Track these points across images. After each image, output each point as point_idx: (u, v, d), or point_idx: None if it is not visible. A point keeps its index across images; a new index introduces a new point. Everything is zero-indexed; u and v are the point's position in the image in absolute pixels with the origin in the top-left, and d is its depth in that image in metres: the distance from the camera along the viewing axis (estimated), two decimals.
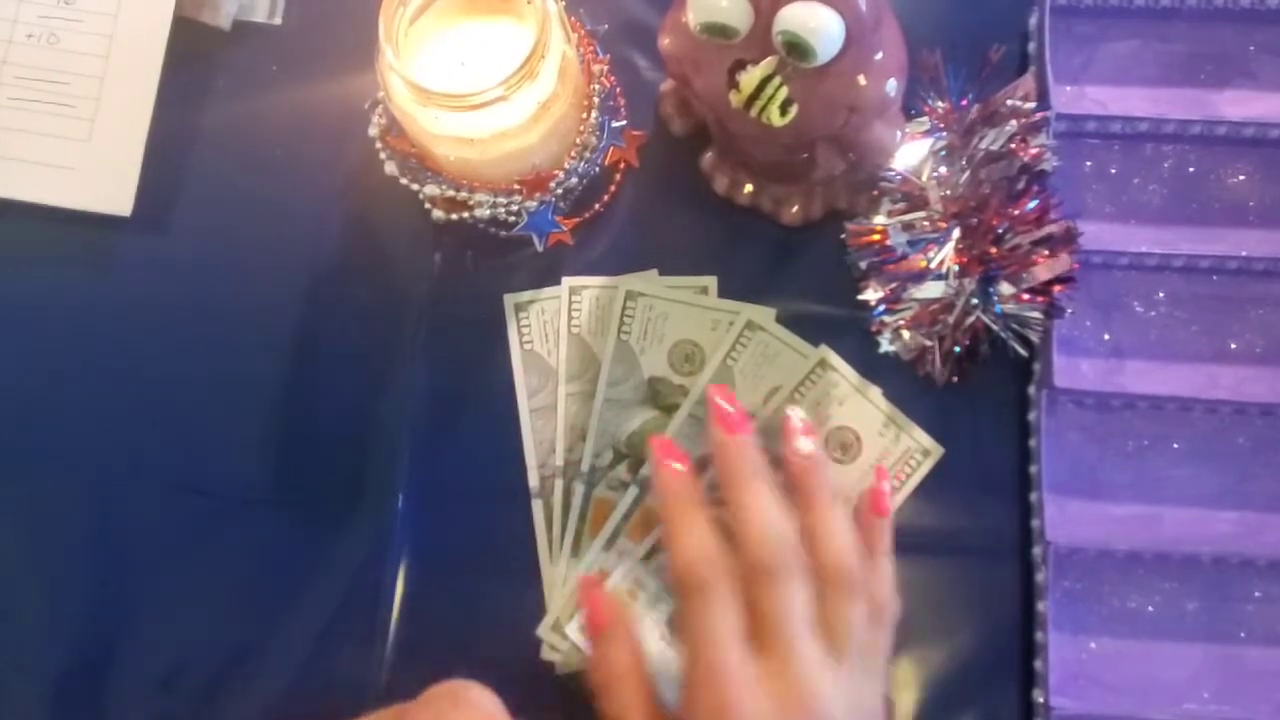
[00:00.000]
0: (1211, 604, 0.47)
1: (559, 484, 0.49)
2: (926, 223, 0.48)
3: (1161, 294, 0.50)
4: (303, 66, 0.55)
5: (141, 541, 0.50)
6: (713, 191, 0.52)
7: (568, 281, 0.51)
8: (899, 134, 0.48)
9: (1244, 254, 0.50)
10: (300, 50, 0.55)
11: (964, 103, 0.50)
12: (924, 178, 0.49)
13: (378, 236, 0.53)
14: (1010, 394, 0.50)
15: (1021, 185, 0.48)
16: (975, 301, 0.47)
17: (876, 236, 0.49)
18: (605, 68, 0.52)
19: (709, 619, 0.40)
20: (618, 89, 0.53)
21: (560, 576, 0.48)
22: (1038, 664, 0.46)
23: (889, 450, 0.49)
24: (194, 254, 0.53)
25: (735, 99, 0.44)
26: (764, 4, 0.41)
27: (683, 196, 0.52)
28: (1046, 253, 0.47)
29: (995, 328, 0.48)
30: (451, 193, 0.50)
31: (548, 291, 0.51)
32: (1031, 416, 0.49)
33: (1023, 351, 0.48)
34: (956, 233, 0.48)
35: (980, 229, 0.47)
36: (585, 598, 0.45)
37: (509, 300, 0.51)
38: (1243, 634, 0.47)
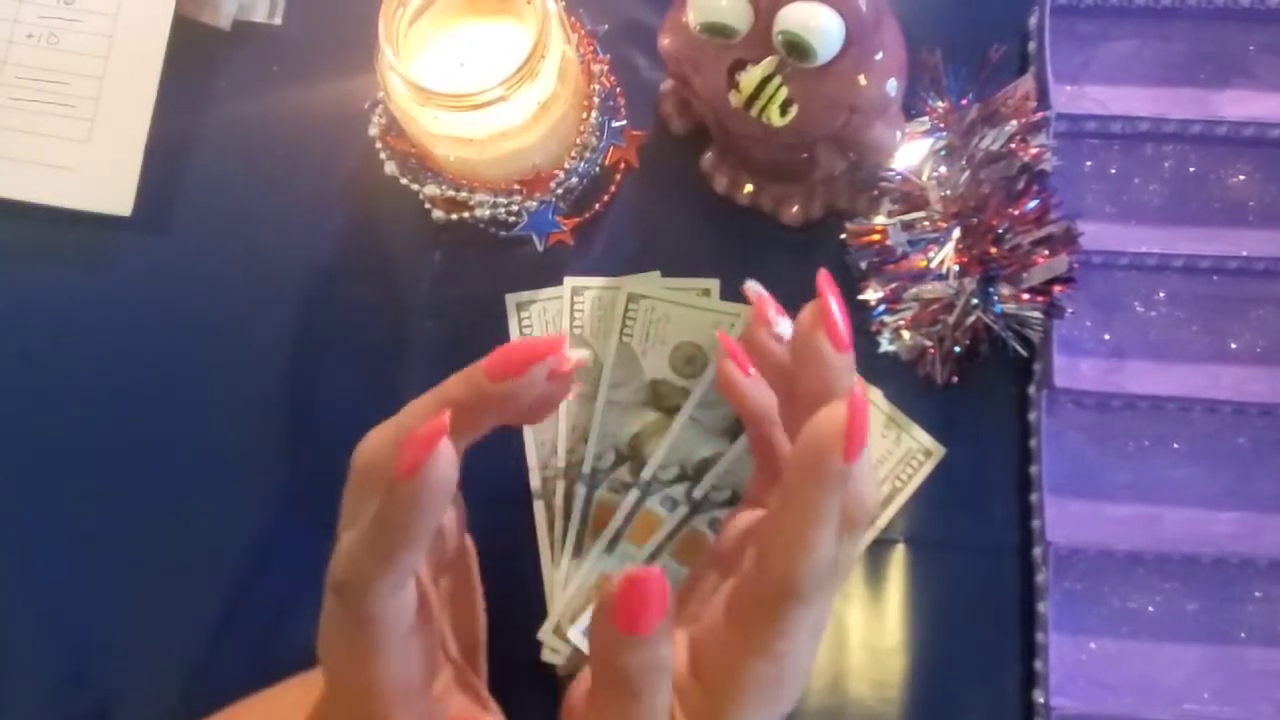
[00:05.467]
0: (1212, 604, 0.47)
1: (560, 486, 0.49)
2: (926, 223, 0.48)
3: (1161, 294, 0.50)
4: (303, 66, 0.55)
5: (140, 541, 0.50)
6: (713, 191, 0.52)
7: (570, 282, 0.51)
8: (899, 134, 0.48)
9: (1244, 254, 0.50)
10: (300, 50, 0.55)
11: (964, 102, 0.49)
12: (924, 178, 0.49)
13: (378, 236, 0.53)
14: (1010, 394, 0.50)
15: (1021, 185, 0.48)
16: (975, 301, 0.47)
17: (876, 236, 0.49)
18: (605, 68, 0.52)
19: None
20: (618, 89, 0.53)
21: (562, 579, 0.48)
22: (1038, 664, 0.46)
23: (890, 452, 0.49)
24: (193, 254, 0.53)
25: (735, 99, 0.44)
26: (764, 4, 0.41)
27: (683, 196, 0.52)
28: (1046, 253, 0.47)
29: (995, 327, 0.48)
30: (451, 193, 0.50)
31: (549, 291, 0.51)
32: (1032, 416, 0.49)
33: (1023, 351, 0.48)
34: (956, 233, 0.48)
35: (980, 229, 0.47)
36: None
37: (510, 299, 0.51)
38: (1243, 634, 0.47)
